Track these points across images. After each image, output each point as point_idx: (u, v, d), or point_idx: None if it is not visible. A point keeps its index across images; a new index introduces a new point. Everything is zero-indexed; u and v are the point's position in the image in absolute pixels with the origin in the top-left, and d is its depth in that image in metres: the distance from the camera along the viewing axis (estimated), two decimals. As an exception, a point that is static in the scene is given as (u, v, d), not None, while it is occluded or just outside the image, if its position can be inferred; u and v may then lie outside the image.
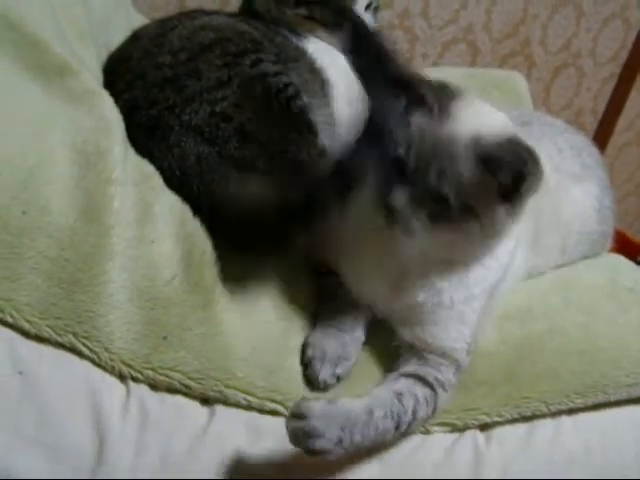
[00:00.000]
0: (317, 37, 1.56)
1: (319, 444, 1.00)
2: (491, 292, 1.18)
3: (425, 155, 1.00)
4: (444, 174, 0.99)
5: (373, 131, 1.16)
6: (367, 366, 1.20)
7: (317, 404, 1.01)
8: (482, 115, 1.06)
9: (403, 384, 1.12)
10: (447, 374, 1.15)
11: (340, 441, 1.01)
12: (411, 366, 1.15)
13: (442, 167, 0.99)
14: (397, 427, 1.08)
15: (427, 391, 1.12)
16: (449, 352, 1.15)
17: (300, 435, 0.99)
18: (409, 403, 1.09)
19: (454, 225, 1.03)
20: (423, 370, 1.14)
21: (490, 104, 1.12)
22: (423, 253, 1.08)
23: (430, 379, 1.13)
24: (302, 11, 1.54)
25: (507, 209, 1.03)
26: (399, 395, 1.09)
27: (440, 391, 1.13)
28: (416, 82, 1.05)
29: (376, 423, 1.05)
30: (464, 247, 1.10)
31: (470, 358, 1.17)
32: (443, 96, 1.04)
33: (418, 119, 1.02)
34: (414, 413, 1.10)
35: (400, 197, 1.02)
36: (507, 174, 0.99)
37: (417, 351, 1.16)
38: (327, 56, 1.53)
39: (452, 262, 1.13)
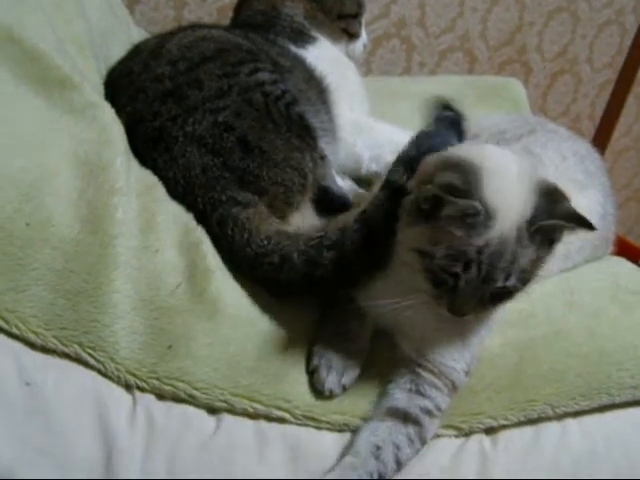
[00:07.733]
0: (339, 45, 1.73)
1: None
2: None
3: (486, 263, 0.99)
4: (509, 272, 1.00)
5: None
6: (366, 373, 1.19)
7: None
8: (511, 191, 1.02)
9: (384, 431, 1.11)
10: (437, 399, 1.14)
11: None
12: (401, 391, 1.14)
13: (505, 267, 0.99)
14: None
15: (411, 430, 1.12)
16: (447, 371, 1.14)
17: None
18: (388, 457, 1.09)
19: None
20: (410, 402, 1.13)
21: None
22: None
23: (416, 412, 1.12)
24: (341, 24, 1.74)
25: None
26: (377, 450, 1.09)
27: (427, 420, 1.13)
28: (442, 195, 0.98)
29: None
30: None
31: (468, 379, 1.16)
32: (470, 183, 1.00)
33: (460, 231, 0.99)
34: (397, 462, 1.10)
35: (467, 301, 1.02)
36: (560, 235, 1.03)
37: (414, 367, 1.15)
38: (330, 63, 1.58)
39: None
